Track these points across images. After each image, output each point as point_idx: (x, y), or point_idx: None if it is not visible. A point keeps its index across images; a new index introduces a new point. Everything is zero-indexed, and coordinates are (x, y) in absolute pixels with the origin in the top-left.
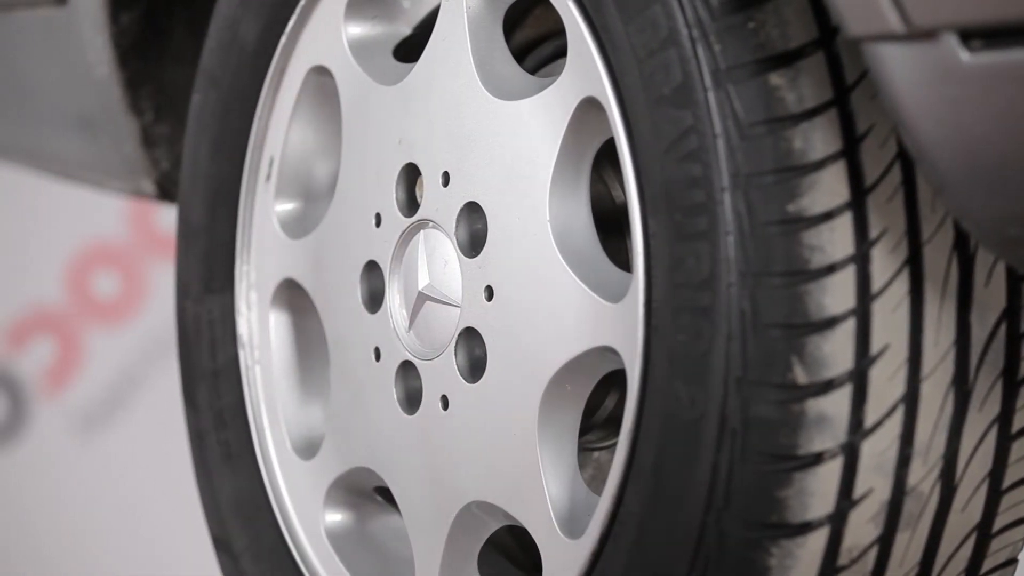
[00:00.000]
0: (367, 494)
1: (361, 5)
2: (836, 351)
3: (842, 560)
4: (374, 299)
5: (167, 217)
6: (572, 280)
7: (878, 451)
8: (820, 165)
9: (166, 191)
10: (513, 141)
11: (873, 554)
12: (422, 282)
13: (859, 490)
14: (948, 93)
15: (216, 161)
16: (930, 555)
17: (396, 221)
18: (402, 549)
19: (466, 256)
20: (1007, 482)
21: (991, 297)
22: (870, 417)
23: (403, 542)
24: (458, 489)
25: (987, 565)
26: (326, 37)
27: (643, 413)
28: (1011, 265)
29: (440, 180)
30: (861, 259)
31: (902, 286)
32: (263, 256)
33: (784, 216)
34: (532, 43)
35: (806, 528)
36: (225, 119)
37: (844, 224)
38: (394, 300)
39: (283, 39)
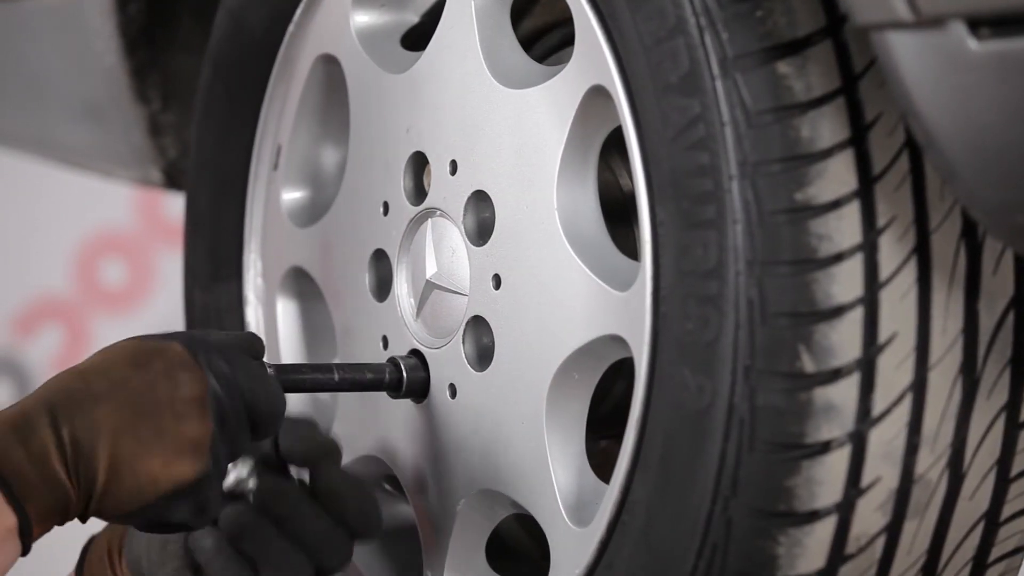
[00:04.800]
0: (376, 483)
1: None
2: (844, 340)
3: (850, 548)
4: (382, 287)
5: (175, 205)
6: (580, 268)
7: (886, 439)
8: (828, 153)
9: (173, 179)
10: (521, 129)
11: (881, 542)
12: (430, 270)
13: (867, 478)
14: (956, 81)
15: (224, 150)
16: (938, 543)
17: (404, 209)
18: (410, 537)
19: (474, 244)
20: (1015, 470)
21: (999, 285)
22: (878, 406)
23: (411, 530)
24: (466, 478)
25: (995, 553)
26: (334, 25)
27: (651, 401)
28: (1019, 253)
29: (448, 168)
30: (869, 247)
31: (910, 274)
32: (271, 244)
33: (792, 204)
34: (539, 31)
35: (814, 516)
36: (233, 108)
37: (852, 212)
38: (402, 288)
39: (291, 27)
